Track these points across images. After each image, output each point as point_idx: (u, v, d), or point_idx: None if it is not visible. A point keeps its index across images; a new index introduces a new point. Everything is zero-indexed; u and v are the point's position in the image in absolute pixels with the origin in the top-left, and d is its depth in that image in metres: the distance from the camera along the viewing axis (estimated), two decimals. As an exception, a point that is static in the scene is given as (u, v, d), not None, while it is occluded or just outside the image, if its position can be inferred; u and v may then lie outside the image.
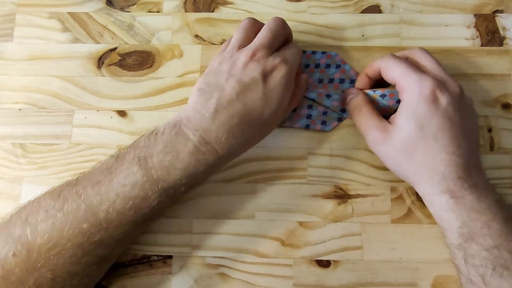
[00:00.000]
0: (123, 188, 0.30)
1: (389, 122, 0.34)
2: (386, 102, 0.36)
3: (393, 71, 0.34)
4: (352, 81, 0.39)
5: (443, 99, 0.32)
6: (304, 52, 0.39)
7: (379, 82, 0.37)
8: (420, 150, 0.32)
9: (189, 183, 0.32)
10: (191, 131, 0.31)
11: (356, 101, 0.36)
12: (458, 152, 0.32)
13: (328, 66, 0.39)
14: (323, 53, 0.39)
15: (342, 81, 0.39)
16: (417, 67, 0.34)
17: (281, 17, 0.40)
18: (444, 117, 0.32)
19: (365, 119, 0.35)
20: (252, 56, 0.33)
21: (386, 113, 0.36)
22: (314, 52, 0.39)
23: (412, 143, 0.32)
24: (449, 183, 0.32)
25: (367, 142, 0.35)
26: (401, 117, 0.33)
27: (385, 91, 0.36)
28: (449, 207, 0.31)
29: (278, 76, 0.33)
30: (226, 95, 0.32)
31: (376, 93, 0.36)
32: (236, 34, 0.36)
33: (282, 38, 0.36)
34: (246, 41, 0.35)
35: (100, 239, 0.30)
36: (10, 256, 0.30)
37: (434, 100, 0.32)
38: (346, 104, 0.37)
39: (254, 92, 0.32)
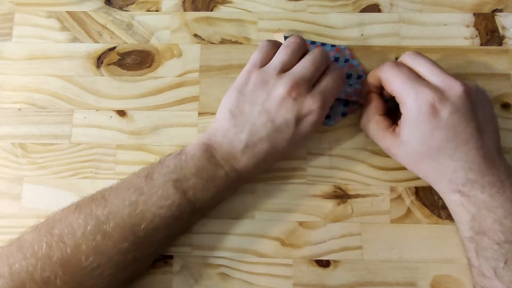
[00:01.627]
0: (160, 209, 0.31)
1: (395, 131, 0.33)
2: None
3: (391, 84, 0.33)
4: (359, 77, 0.38)
5: (444, 111, 0.30)
6: (313, 42, 0.39)
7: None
8: (427, 160, 0.32)
9: (219, 201, 0.35)
10: (223, 159, 0.32)
11: (364, 120, 0.36)
12: (466, 158, 0.31)
13: (336, 59, 0.38)
14: (333, 46, 0.39)
15: (349, 76, 0.38)
16: (415, 77, 0.32)
17: (280, 16, 0.40)
18: (446, 128, 0.31)
19: (374, 131, 0.35)
20: (291, 91, 0.32)
21: None
22: (323, 44, 0.39)
23: (418, 155, 0.32)
24: (458, 186, 0.31)
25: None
26: (404, 132, 0.32)
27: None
28: (460, 203, 0.31)
29: (311, 121, 0.32)
30: (257, 133, 0.32)
31: None
32: (280, 53, 0.34)
33: (324, 68, 0.34)
34: (290, 63, 0.33)
35: (135, 257, 0.31)
36: (52, 277, 0.29)
37: (434, 113, 0.30)
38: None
39: (283, 133, 0.32)
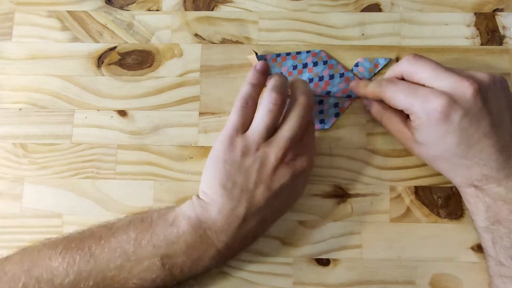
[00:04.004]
0: (143, 281, 0.30)
1: (410, 126, 0.33)
2: None
3: (395, 100, 0.32)
4: (342, 75, 0.38)
5: (455, 115, 0.30)
6: (288, 54, 0.39)
7: None
8: (442, 160, 0.32)
9: (204, 273, 0.33)
10: (217, 238, 0.31)
11: (374, 111, 0.36)
12: (480, 155, 0.30)
13: (315, 64, 0.39)
14: (308, 52, 0.39)
15: (332, 77, 0.38)
16: (416, 87, 0.31)
17: (281, 15, 0.40)
18: (458, 132, 0.30)
19: (390, 128, 0.35)
20: (283, 157, 0.31)
21: None
22: (299, 53, 0.39)
23: (432, 156, 0.33)
24: (473, 181, 0.32)
25: None
26: (418, 137, 0.32)
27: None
28: (475, 195, 0.32)
29: (305, 176, 0.33)
30: (255, 204, 0.31)
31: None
32: (263, 116, 0.32)
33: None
34: (274, 126, 0.32)
35: None
36: None
37: (445, 119, 0.30)
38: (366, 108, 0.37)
39: (281, 196, 0.32)
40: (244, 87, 0.33)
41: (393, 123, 0.34)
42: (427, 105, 0.30)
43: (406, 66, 0.33)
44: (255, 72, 0.34)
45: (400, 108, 0.32)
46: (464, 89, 0.30)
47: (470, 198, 0.32)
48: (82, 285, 0.30)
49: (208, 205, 0.31)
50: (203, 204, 0.31)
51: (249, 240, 0.33)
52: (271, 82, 0.33)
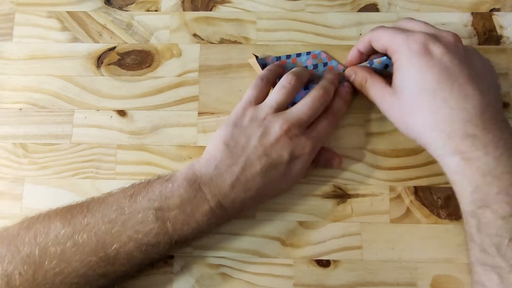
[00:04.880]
0: (137, 234, 0.29)
1: (392, 80, 0.32)
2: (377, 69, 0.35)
3: (382, 37, 0.32)
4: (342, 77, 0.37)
5: (436, 49, 0.29)
6: (288, 56, 0.37)
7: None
8: (422, 109, 0.29)
9: (198, 237, 0.33)
10: (210, 193, 0.30)
11: (359, 77, 0.34)
12: (463, 106, 0.27)
13: (315, 66, 0.37)
14: (308, 53, 0.37)
15: None
16: (405, 29, 0.31)
17: (279, 15, 0.39)
18: (439, 68, 0.28)
19: (372, 91, 0.33)
20: (287, 131, 0.31)
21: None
22: (299, 55, 0.37)
23: (412, 103, 0.29)
24: (457, 142, 0.27)
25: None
26: (397, 79, 0.30)
27: (373, 59, 0.35)
28: (460, 170, 0.27)
29: (304, 161, 0.32)
30: (251, 168, 0.30)
31: (366, 63, 0.35)
32: (276, 92, 0.33)
33: (322, 110, 0.33)
34: (285, 103, 0.33)
35: (104, 272, 0.30)
36: (16, 273, 0.28)
37: (425, 52, 0.29)
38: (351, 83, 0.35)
39: (277, 170, 0.31)
40: (262, 72, 0.35)
41: (376, 84, 0.33)
42: (410, 39, 0.30)
43: (402, 22, 0.33)
44: (272, 64, 0.36)
45: (384, 46, 0.31)
46: (447, 34, 0.30)
47: (455, 175, 0.28)
48: (76, 237, 0.29)
49: (208, 161, 0.31)
50: (203, 161, 0.31)
51: (239, 205, 0.31)
52: (293, 69, 0.35)
